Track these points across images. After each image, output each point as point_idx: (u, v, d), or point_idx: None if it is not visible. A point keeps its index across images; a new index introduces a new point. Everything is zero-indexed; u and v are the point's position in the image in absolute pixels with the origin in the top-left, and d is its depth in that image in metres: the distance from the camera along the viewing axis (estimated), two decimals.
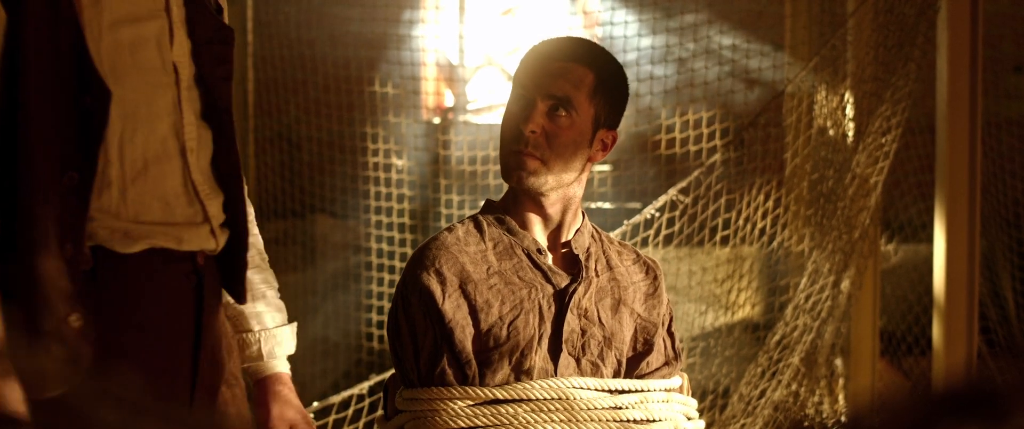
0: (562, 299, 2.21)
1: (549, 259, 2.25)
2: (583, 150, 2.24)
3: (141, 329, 1.87)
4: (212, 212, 1.93)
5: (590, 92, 2.23)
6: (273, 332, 2.21)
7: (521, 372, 2.16)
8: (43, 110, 1.73)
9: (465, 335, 2.15)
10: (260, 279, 2.21)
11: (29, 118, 1.72)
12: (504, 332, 2.16)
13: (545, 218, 2.27)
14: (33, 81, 1.72)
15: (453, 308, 2.16)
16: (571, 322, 2.20)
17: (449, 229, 2.27)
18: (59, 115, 1.75)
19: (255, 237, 2.20)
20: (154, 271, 1.87)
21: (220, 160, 1.97)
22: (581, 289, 2.22)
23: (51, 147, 1.74)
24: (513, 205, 2.28)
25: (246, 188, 2.11)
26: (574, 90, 2.22)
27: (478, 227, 2.27)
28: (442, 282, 2.18)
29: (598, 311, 2.24)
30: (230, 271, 2.05)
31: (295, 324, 2.26)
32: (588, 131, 2.24)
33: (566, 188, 2.25)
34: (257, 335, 2.19)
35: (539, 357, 2.17)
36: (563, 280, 2.23)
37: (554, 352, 2.19)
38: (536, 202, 2.25)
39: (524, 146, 2.19)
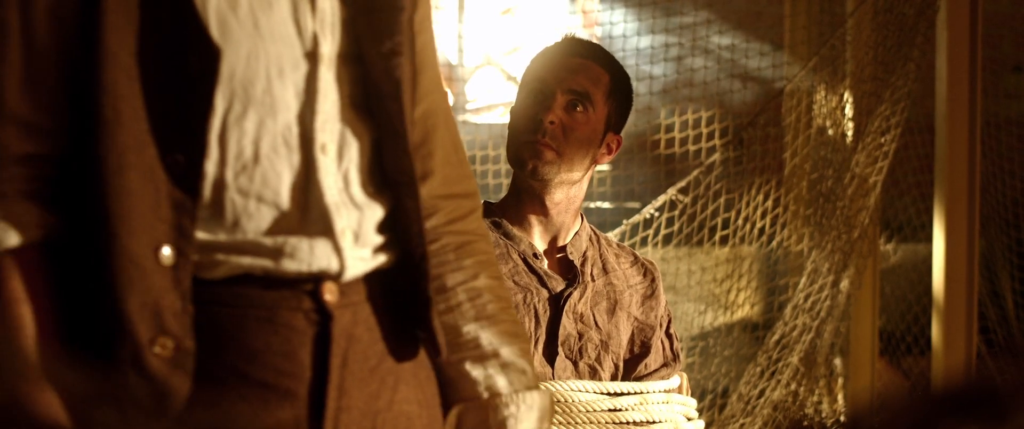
0: (557, 303, 2.21)
1: (545, 263, 2.25)
2: (592, 149, 2.25)
3: (227, 384, 1.37)
4: (340, 226, 1.43)
5: (606, 92, 2.25)
6: (505, 399, 1.56)
7: None
8: (131, 66, 1.32)
9: None
10: (490, 334, 1.58)
11: (113, 77, 1.31)
12: None
13: (546, 219, 2.27)
14: (113, 23, 1.31)
15: None
16: (567, 326, 2.20)
17: None
18: (154, 77, 1.33)
19: (472, 273, 1.60)
20: (248, 304, 1.39)
21: (386, 162, 1.48)
22: (576, 293, 2.22)
23: (143, 118, 1.32)
24: (515, 205, 2.28)
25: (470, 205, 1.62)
26: (593, 87, 2.23)
27: None
28: None
29: (594, 315, 2.24)
30: (405, 309, 1.50)
31: (539, 392, 1.58)
32: (600, 130, 2.25)
33: (570, 186, 2.25)
34: (480, 403, 1.56)
35: (535, 360, 2.17)
36: (558, 284, 2.23)
37: (550, 356, 2.19)
38: (540, 200, 2.25)
39: (542, 136, 2.20)
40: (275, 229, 1.40)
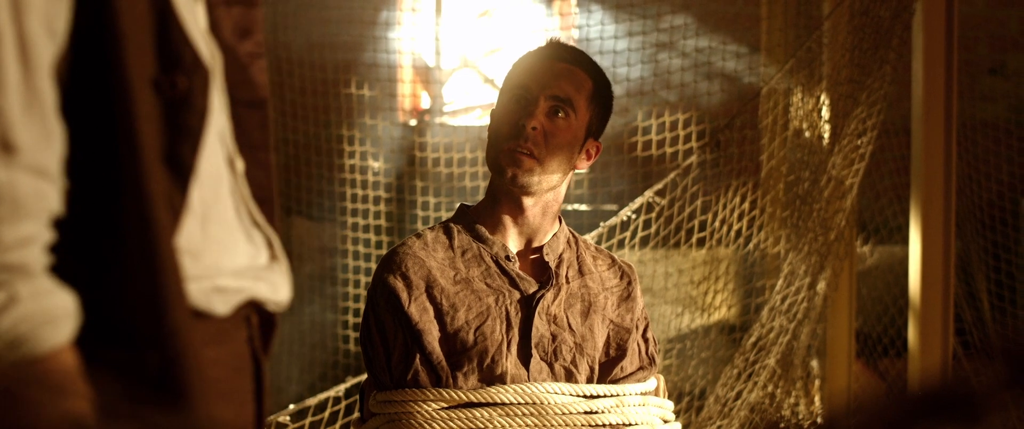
0: (529, 305, 2.20)
1: (517, 265, 2.25)
2: (573, 155, 2.25)
3: None
4: (277, 244, 1.30)
5: (589, 98, 2.25)
6: None
7: (493, 377, 2.15)
8: (149, 101, 1.09)
9: (433, 338, 2.15)
10: None
11: (133, 112, 1.07)
12: (471, 337, 2.16)
13: (522, 221, 2.27)
14: (127, 49, 1.07)
15: (419, 311, 2.16)
16: (540, 328, 2.20)
17: (418, 235, 2.27)
18: (148, 110, 1.09)
19: None
20: (226, 335, 1.23)
21: (250, 179, 1.31)
22: (549, 295, 2.22)
23: (161, 172, 1.11)
24: (492, 206, 2.28)
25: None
26: (576, 93, 2.23)
27: (447, 233, 2.27)
28: (408, 285, 2.18)
29: (568, 317, 2.23)
30: (271, 331, 1.35)
31: None
32: (581, 136, 2.25)
33: (548, 192, 2.25)
34: None
35: (510, 362, 2.16)
36: (531, 286, 2.22)
37: (524, 357, 2.18)
38: (517, 204, 2.25)
39: (523, 142, 2.19)
40: (241, 257, 1.23)
